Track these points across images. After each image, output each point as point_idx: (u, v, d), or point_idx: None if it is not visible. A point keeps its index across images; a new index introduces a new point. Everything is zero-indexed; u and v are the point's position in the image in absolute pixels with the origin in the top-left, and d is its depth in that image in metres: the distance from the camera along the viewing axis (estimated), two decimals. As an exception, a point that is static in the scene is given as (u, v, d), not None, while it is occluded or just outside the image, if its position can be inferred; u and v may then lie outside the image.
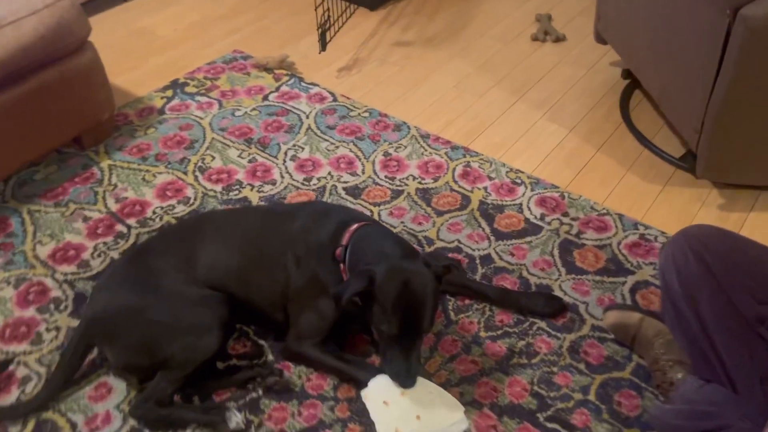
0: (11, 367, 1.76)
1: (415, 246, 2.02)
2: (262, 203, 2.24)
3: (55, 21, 2.08)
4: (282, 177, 2.35)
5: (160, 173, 2.35)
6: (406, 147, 2.47)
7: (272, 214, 1.88)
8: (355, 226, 1.70)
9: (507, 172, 2.36)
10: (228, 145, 2.48)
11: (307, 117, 2.61)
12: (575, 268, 2.02)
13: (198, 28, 3.17)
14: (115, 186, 2.30)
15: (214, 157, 2.42)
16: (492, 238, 2.12)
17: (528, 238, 2.11)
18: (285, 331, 1.80)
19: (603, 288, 1.96)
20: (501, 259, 2.05)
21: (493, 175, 2.35)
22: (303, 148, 2.47)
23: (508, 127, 2.58)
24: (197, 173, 2.36)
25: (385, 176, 2.35)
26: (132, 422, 1.64)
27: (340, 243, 1.68)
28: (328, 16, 2.89)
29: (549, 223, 2.16)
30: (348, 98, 2.71)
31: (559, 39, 3.08)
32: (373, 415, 1.61)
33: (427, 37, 3.11)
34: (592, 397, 1.70)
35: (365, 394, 1.59)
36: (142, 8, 3.33)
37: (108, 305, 1.71)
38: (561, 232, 2.13)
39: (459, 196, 2.27)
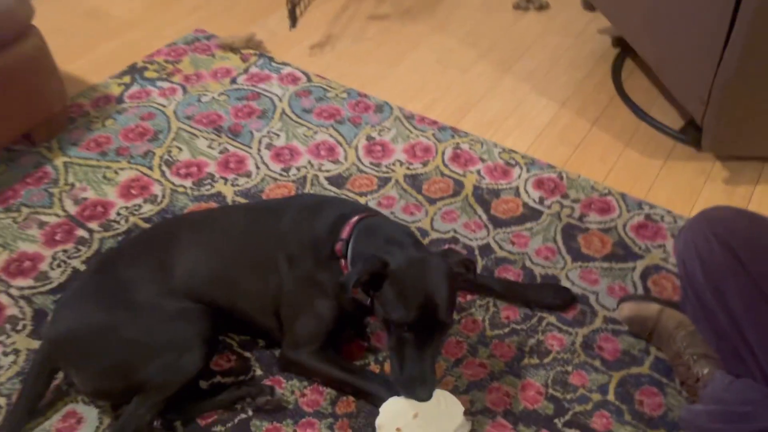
0: (-35, 401, 1.56)
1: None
2: (240, 200, 2.04)
3: (-8, 4, 1.84)
4: (258, 168, 2.15)
5: (122, 169, 2.14)
6: (390, 129, 2.29)
7: (256, 212, 1.70)
8: (356, 218, 1.53)
9: (500, 152, 2.20)
10: (196, 135, 2.27)
11: (281, 100, 2.41)
12: (581, 254, 1.88)
13: (156, 6, 2.92)
14: (73, 185, 2.08)
15: (181, 149, 2.22)
16: (490, 226, 1.97)
17: (528, 225, 1.97)
18: (276, 340, 1.63)
19: (612, 275, 1.83)
20: (501, 248, 1.91)
21: (485, 156, 2.19)
22: (278, 135, 2.27)
23: (496, 104, 2.42)
24: (164, 168, 2.15)
25: (370, 163, 2.17)
26: (108, 457, 1.47)
27: (340, 237, 1.51)
28: (297, -10, 2.68)
29: (549, 207, 2.02)
30: (323, 78, 2.51)
31: (542, 6, 2.92)
32: None
33: (403, 9, 2.92)
34: (611, 397, 1.58)
35: (380, 424, 1.44)
36: (91, -14, 3.05)
37: (73, 323, 1.53)
38: (563, 215, 1.99)
39: (451, 181, 2.11)
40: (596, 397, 1.58)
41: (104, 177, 2.10)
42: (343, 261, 1.52)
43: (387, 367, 1.64)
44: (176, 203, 2.03)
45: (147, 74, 2.51)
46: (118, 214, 1.99)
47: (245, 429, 1.53)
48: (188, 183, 2.10)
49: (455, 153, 2.20)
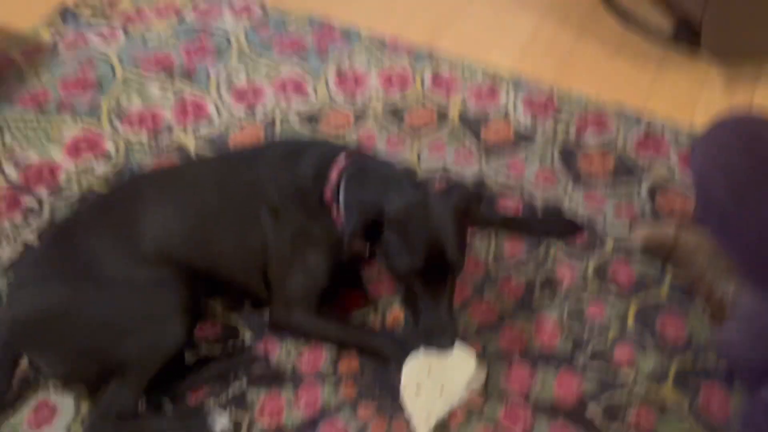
0: None
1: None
2: (204, 151, 1.84)
3: None
4: (219, 112, 1.94)
5: (66, 126, 1.90)
6: (361, 59, 2.08)
7: (229, 162, 1.51)
8: (343, 158, 1.36)
9: (483, 72, 2.02)
10: (145, 81, 2.03)
11: (236, 36, 2.17)
12: (582, 177, 1.75)
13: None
14: (12, 149, 1.84)
15: (131, 98, 1.98)
16: (482, 154, 1.81)
17: (522, 149, 1.82)
18: (265, 301, 1.47)
19: (618, 195, 1.70)
20: (497, 178, 1.76)
21: (468, 79, 2.01)
22: (238, 74, 2.05)
23: (472, 19, 2.22)
24: (114, 120, 1.92)
25: (344, 97, 1.97)
26: (91, 449, 1.31)
27: (328, 181, 1.34)
28: None
29: (543, 127, 1.86)
30: (279, 8, 2.27)
31: None
32: (410, 408, 1.33)
33: None
34: (631, 326, 1.47)
35: (405, 384, 1.32)
36: None
37: (33, 304, 1.35)
38: (558, 136, 1.84)
39: (434, 109, 1.93)
40: (615, 327, 1.47)
41: (47, 136, 1.87)
42: (334, 208, 1.36)
43: (390, 317, 1.50)
44: (133, 159, 1.82)
45: (81, 18, 2.23)
46: (68, 176, 1.78)
47: (242, 401, 1.39)
48: (143, 135, 1.88)
49: (435, 78, 2.01)
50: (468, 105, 1.93)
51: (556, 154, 1.80)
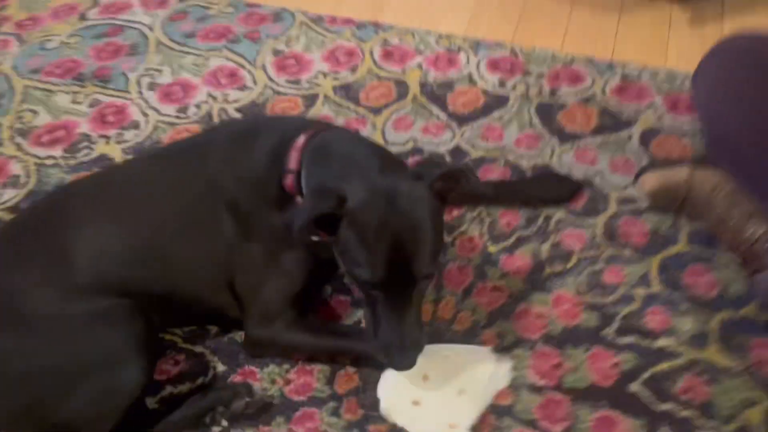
0: None
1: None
2: (133, 156, 1.57)
3: None
4: (145, 115, 1.67)
5: (-39, 152, 1.59)
6: (299, 38, 1.85)
7: (169, 159, 1.25)
8: (302, 138, 1.13)
9: (437, 40, 1.83)
10: (51, 91, 1.74)
11: (151, 30, 1.90)
12: (567, 134, 1.58)
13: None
14: None
15: (36, 112, 1.69)
16: (453, 124, 1.61)
17: (496, 114, 1.63)
18: (235, 320, 1.22)
19: (610, 149, 1.54)
20: (475, 148, 1.56)
21: (421, 47, 1.81)
22: (160, 71, 1.78)
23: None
24: (18, 139, 1.62)
25: (287, 81, 1.74)
26: None
27: (287, 168, 1.11)
28: None
29: (513, 88, 1.68)
30: (198, -7, 2.01)
31: None
32: (409, 427, 1.12)
33: None
34: (656, 287, 1.30)
35: (385, 404, 1.12)
36: None
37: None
38: (531, 95, 1.67)
39: (391, 83, 1.72)
40: (641, 292, 1.30)
41: (-62, 166, 1.55)
42: (298, 199, 1.12)
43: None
44: (47, 180, 1.53)
45: (-36, 29, 1.91)
46: (-30, 209, 1.47)
47: (224, 446, 1.14)
48: (57, 152, 1.60)
49: (386, 51, 1.81)
50: (427, 75, 1.73)
51: (534, 114, 1.62)
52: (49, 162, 1.57)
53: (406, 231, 1.00)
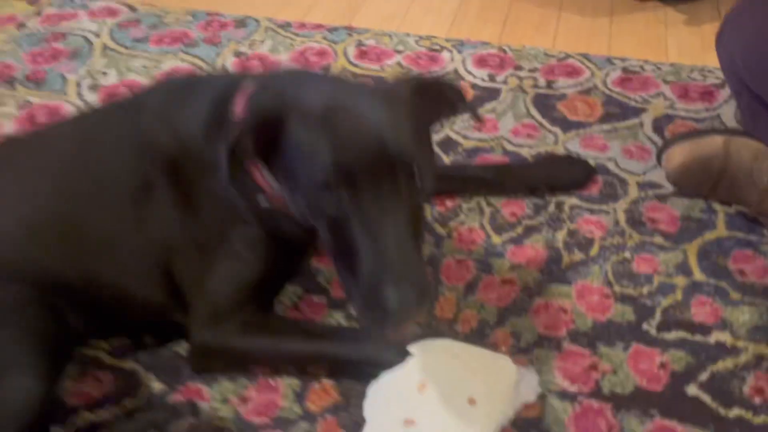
0: None
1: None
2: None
3: None
4: (83, 115, 1.44)
5: None
6: (264, 42, 1.67)
7: (95, 118, 1.01)
8: (252, 82, 0.89)
9: (417, 41, 1.66)
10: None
11: (98, 36, 1.70)
12: (571, 122, 1.38)
13: None
14: None
15: (-46, 115, 1.44)
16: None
17: (489, 106, 1.43)
18: (173, 323, 0.95)
19: (620, 136, 1.34)
20: (467, 138, 1.35)
21: (400, 48, 1.64)
22: (105, 73, 1.57)
23: (388, -3, 1.88)
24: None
25: (249, 79, 1.53)
26: None
27: (233, 117, 0.87)
28: None
29: (505, 82, 1.50)
30: (153, 4, 1.83)
31: None
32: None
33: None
34: (699, 275, 1.07)
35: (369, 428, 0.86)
36: None
37: None
38: (526, 87, 1.48)
39: (369, 80, 1.52)
40: (681, 281, 1.06)
41: None
42: (257, 173, 0.88)
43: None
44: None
45: None
46: None
47: (157, 484, 0.83)
48: (-25, 153, 1.34)
49: (360, 50, 1.63)
50: (408, 70, 1.55)
51: (531, 105, 1.43)
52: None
53: (371, 111, 0.77)
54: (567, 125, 1.37)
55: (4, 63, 1.60)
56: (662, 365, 0.95)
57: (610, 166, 1.27)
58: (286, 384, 0.94)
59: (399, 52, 1.62)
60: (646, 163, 1.27)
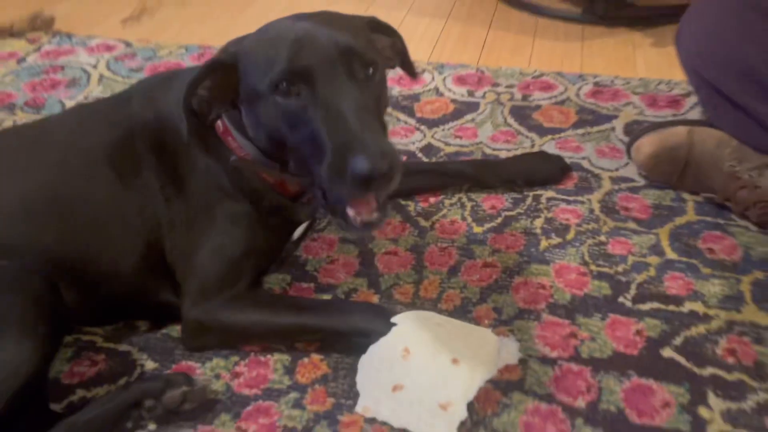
0: None
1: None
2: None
3: None
4: (81, 134, 1.50)
5: None
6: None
7: (89, 107, 1.08)
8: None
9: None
10: (-24, 120, 1.57)
11: (95, 67, 1.78)
12: (546, 129, 1.45)
13: None
14: None
15: (-44, 136, 1.50)
16: (423, 127, 1.48)
17: (468, 116, 1.51)
18: (167, 306, 0.98)
19: (593, 139, 1.41)
20: (448, 144, 1.42)
21: (383, 70, 1.72)
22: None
23: (371, 32, 1.98)
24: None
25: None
26: None
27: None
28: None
29: (483, 96, 1.58)
30: (148, 41, 1.93)
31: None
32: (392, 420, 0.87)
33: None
34: (671, 254, 1.12)
35: (362, 400, 0.90)
36: None
37: None
38: (503, 100, 1.56)
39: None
40: (654, 260, 1.11)
41: None
42: (229, 137, 0.94)
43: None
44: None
45: None
46: None
47: (150, 451, 0.86)
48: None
49: (345, 73, 1.71)
50: (391, 90, 1.63)
51: (508, 115, 1.50)
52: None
53: (325, 23, 0.84)
54: (543, 131, 1.44)
55: (5, 92, 1.68)
56: (638, 332, 0.99)
57: (584, 164, 1.34)
58: (275, 359, 0.97)
59: (382, 74, 1.70)
60: (619, 161, 1.34)
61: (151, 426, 0.89)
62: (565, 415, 0.88)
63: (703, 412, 0.88)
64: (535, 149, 1.38)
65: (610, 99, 1.55)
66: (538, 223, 1.19)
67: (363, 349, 0.92)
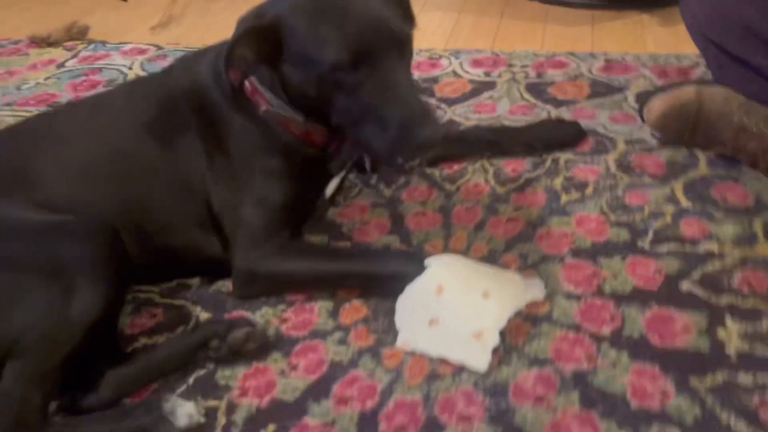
0: None
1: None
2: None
3: None
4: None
5: None
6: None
7: (136, 82, 1.20)
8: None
9: (417, 53, 1.83)
10: (24, 117, 1.66)
11: (130, 68, 1.89)
12: (561, 101, 1.53)
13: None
14: None
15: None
16: (443, 105, 1.56)
17: (486, 94, 1.59)
18: (219, 261, 1.06)
19: (607, 107, 1.49)
20: (468, 119, 1.50)
21: (402, 58, 1.81)
22: (140, 94, 1.74)
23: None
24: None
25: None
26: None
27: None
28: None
29: (499, 76, 1.66)
30: (178, 44, 2.04)
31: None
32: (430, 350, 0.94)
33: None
34: (686, 203, 1.18)
35: (401, 334, 0.98)
36: None
37: None
38: (519, 78, 1.64)
39: None
40: (670, 208, 1.18)
41: None
42: (257, 96, 1.03)
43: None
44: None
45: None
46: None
47: (210, 385, 0.94)
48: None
49: (367, 62, 1.80)
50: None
51: (524, 91, 1.58)
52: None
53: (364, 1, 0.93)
54: (558, 103, 1.52)
55: (49, 93, 1.79)
56: (657, 271, 1.05)
57: (599, 129, 1.41)
58: (319, 306, 1.05)
59: (402, 61, 1.79)
60: (632, 126, 1.41)
61: (210, 366, 0.97)
62: (592, 340, 0.95)
63: (721, 333, 0.94)
64: (553, 116, 1.46)
65: (621, 72, 1.62)
66: (558, 182, 1.26)
67: (400, 292, 0.99)
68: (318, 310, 1.04)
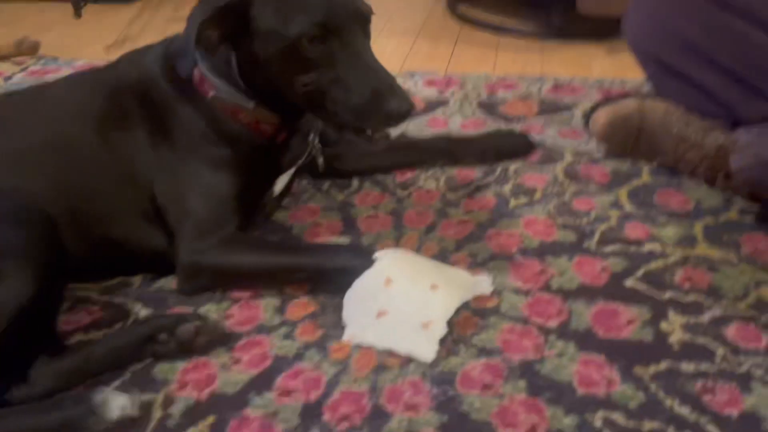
0: None
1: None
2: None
3: None
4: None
5: None
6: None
7: (82, 75, 1.18)
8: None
9: (371, 73, 1.86)
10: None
11: (83, 82, 1.86)
12: (512, 117, 1.56)
13: None
14: None
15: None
16: (396, 119, 1.58)
17: (439, 110, 1.62)
18: (161, 256, 1.04)
19: (555, 123, 1.52)
20: (421, 133, 1.52)
21: (357, 77, 1.83)
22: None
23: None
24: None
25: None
26: None
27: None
28: None
29: (452, 95, 1.70)
30: (132, 60, 2.03)
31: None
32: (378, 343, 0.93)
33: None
34: (629, 208, 1.21)
35: (349, 329, 0.96)
36: None
37: None
38: (471, 97, 1.68)
39: None
40: (614, 213, 1.20)
41: None
42: (205, 84, 1.02)
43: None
44: None
45: None
46: None
47: (147, 379, 0.91)
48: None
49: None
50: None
51: (476, 108, 1.62)
52: None
53: None
54: (509, 120, 1.55)
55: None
56: (603, 269, 1.07)
57: (548, 141, 1.44)
58: (266, 302, 1.02)
59: (357, 80, 1.81)
60: (579, 140, 1.44)
61: (147, 360, 0.93)
62: (539, 332, 0.95)
63: (664, 325, 0.95)
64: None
65: (568, 93, 1.67)
66: (508, 188, 1.28)
67: (348, 286, 0.98)
68: (264, 307, 1.02)
